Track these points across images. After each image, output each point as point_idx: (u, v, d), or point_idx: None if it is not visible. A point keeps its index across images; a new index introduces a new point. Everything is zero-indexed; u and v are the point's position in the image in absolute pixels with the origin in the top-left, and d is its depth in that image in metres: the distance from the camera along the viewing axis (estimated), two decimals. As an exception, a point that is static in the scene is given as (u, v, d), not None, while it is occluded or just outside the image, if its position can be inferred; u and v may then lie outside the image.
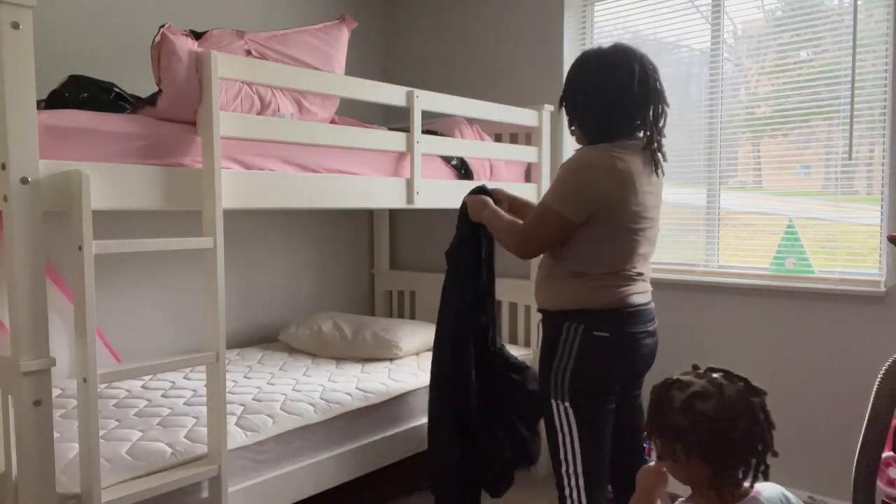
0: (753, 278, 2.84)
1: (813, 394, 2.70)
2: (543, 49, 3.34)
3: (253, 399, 2.40)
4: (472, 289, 2.35)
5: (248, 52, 2.27)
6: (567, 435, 1.92)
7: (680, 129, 2.95)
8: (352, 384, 2.62)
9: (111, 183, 1.75)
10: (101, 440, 1.79)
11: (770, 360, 2.78)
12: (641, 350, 1.95)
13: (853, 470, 1.83)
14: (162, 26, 1.87)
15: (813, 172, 2.82)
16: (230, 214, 2.45)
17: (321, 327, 3.16)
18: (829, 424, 2.65)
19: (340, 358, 3.08)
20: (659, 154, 1.95)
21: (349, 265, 3.91)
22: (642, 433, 1.92)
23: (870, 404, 1.81)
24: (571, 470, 1.93)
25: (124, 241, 1.83)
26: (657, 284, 2.15)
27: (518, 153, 3.14)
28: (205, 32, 2.22)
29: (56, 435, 1.65)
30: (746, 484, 1.33)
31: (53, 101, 2.02)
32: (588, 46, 3.20)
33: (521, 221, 2.05)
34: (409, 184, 2.58)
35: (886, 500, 1.75)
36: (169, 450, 1.95)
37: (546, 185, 3.11)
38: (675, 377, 1.39)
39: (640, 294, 1.95)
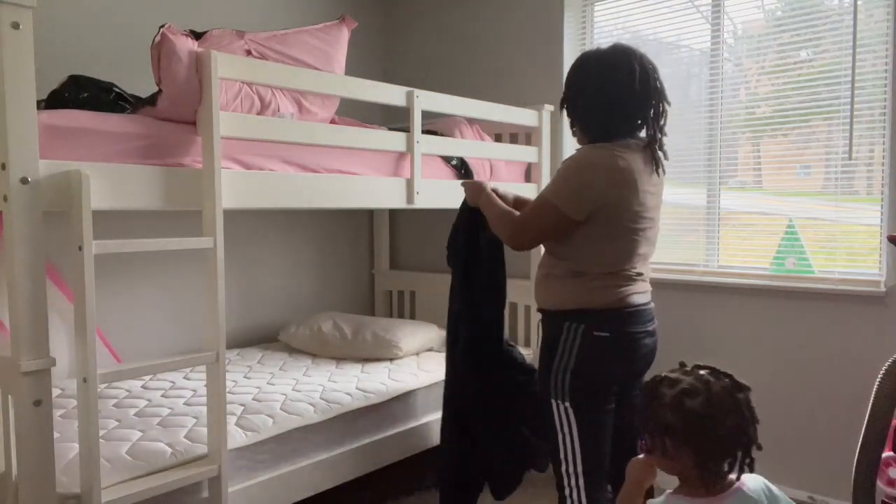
0: (753, 278, 2.84)
1: (813, 394, 2.70)
2: (543, 49, 3.34)
3: (253, 399, 2.40)
4: (467, 282, 2.33)
5: (248, 52, 2.27)
6: (567, 435, 1.92)
7: (680, 129, 2.95)
8: (352, 384, 2.62)
9: (111, 183, 1.75)
10: (101, 440, 1.79)
11: (770, 360, 2.78)
12: (641, 350, 1.95)
13: (853, 470, 1.83)
14: (162, 26, 1.87)
15: (813, 172, 2.81)
16: (230, 214, 2.45)
17: (321, 327, 3.16)
18: (829, 424, 2.65)
19: (340, 358, 3.08)
20: (660, 153, 1.95)
21: (349, 265, 3.91)
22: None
23: (870, 404, 1.81)
24: (571, 469, 1.93)
25: (124, 241, 1.83)
26: (657, 284, 2.15)
27: (518, 153, 3.14)
28: (205, 32, 2.23)
29: (56, 435, 1.66)
30: (732, 476, 1.37)
31: (53, 101, 2.02)
32: (588, 46, 3.21)
33: (517, 213, 2.04)
34: (409, 184, 2.58)
35: (886, 500, 1.74)
36: (169, 450, 1.96)
37: (546, 185, 3.10)
38: (663, 375, 1.43)
39: (640, 294, 1.96)
